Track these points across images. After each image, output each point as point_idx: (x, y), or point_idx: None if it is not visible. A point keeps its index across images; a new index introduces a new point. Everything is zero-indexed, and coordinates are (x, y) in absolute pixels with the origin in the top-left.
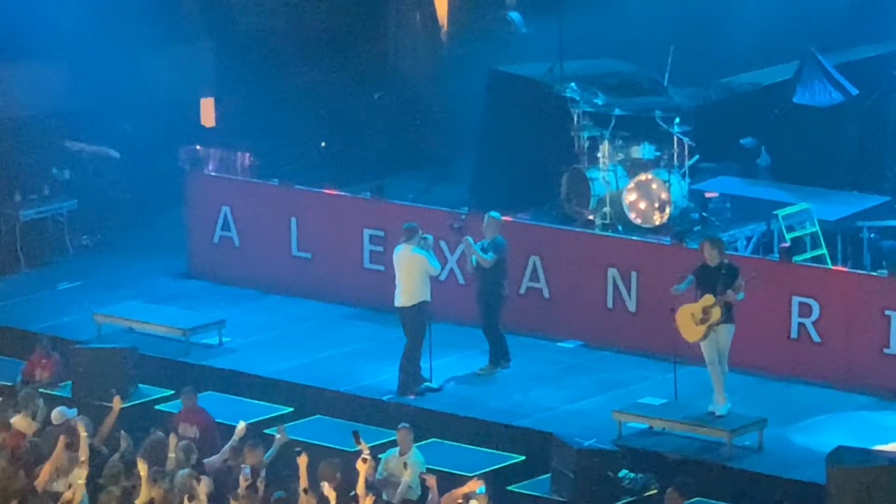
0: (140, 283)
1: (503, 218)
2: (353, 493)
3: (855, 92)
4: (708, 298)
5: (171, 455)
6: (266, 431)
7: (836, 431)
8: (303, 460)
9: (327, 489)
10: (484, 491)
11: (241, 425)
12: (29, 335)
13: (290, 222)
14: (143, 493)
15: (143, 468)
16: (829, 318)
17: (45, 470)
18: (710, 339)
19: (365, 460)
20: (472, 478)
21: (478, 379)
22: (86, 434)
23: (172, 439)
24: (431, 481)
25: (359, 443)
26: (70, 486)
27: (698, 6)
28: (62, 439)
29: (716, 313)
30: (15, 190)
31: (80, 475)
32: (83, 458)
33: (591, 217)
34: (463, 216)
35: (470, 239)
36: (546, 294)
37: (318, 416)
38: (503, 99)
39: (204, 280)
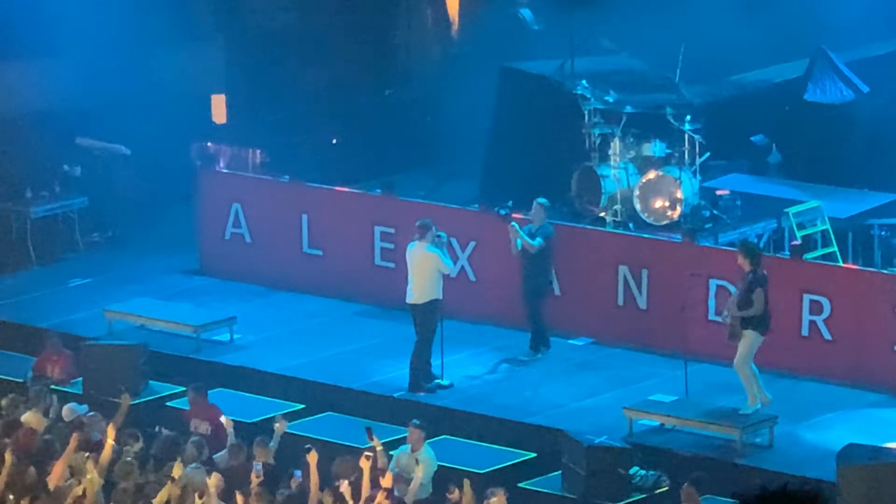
0: (151, 279)
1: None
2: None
3: (866, 89)
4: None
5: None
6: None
7: (846, 429)
8: (312, 457)
9: (344, 487)
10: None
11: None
12: (39, 332)
13: (301, 219)
14: (164, 492)
15: (178, 469)
16: (840, 316)
17: (58, 467)
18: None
19: (368, 457)
20: (480, 475)
21: (488, 376)
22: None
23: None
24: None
25: (371, 439)
26: (80, 482)
27: (709, 3)
28: (75, 437)
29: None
30: (26, 186)
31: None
32: (105, 458)
33: (601, 214)
34: (510, 203)
35: (516, 224)
36: (556, 291)
37: (329, 412)
38: (514, 96)
39: (215, 277)
